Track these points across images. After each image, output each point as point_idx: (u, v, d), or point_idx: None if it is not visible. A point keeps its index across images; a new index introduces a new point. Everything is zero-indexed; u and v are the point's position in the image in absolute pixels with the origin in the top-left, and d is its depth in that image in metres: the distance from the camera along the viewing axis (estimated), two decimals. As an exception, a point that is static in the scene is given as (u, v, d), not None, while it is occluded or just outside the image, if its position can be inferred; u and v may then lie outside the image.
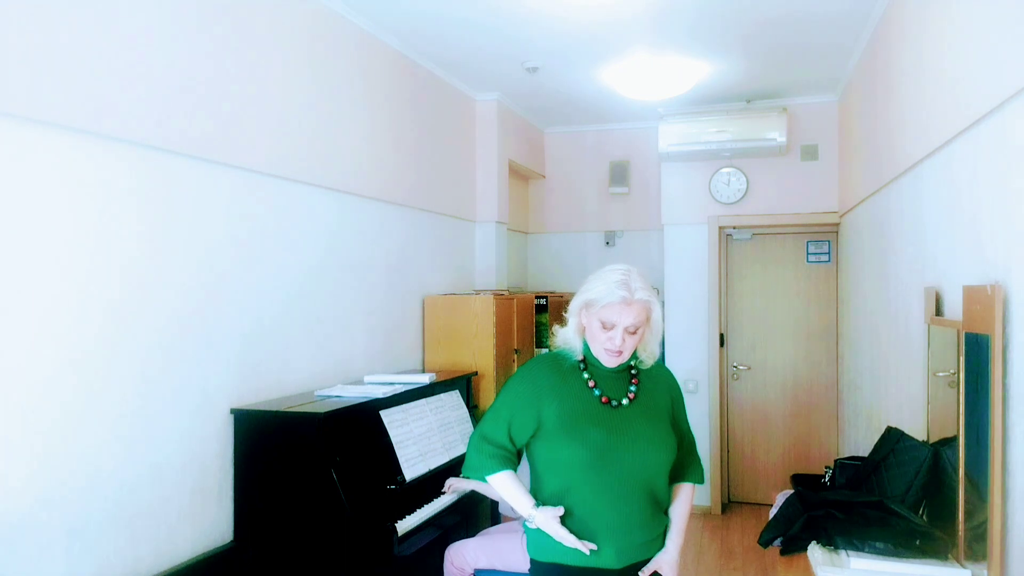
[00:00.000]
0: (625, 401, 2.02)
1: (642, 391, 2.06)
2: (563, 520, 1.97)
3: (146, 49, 2.53)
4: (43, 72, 2.16)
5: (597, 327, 1.97)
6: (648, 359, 2.07)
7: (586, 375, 2.04)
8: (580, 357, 2.06)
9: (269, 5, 3.18)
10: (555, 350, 2.11)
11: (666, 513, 2.10)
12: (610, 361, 2.00)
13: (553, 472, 1.99)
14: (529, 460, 2.10)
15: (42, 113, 2.16)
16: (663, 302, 5.65)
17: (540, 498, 2.02)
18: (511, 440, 2.02)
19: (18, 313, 2.12)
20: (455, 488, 3.28)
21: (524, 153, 5.92)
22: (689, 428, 2.21)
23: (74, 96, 2.26)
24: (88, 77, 2.31)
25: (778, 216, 5.57)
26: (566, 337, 2.07)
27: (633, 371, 2.08)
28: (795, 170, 5.52)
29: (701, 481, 2.21)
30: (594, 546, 1.93)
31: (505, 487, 2.02)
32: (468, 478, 2.12)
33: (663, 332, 2.08)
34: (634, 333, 1.96)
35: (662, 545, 2.07)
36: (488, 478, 2.03)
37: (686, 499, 2.16)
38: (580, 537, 1.95)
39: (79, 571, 2.31)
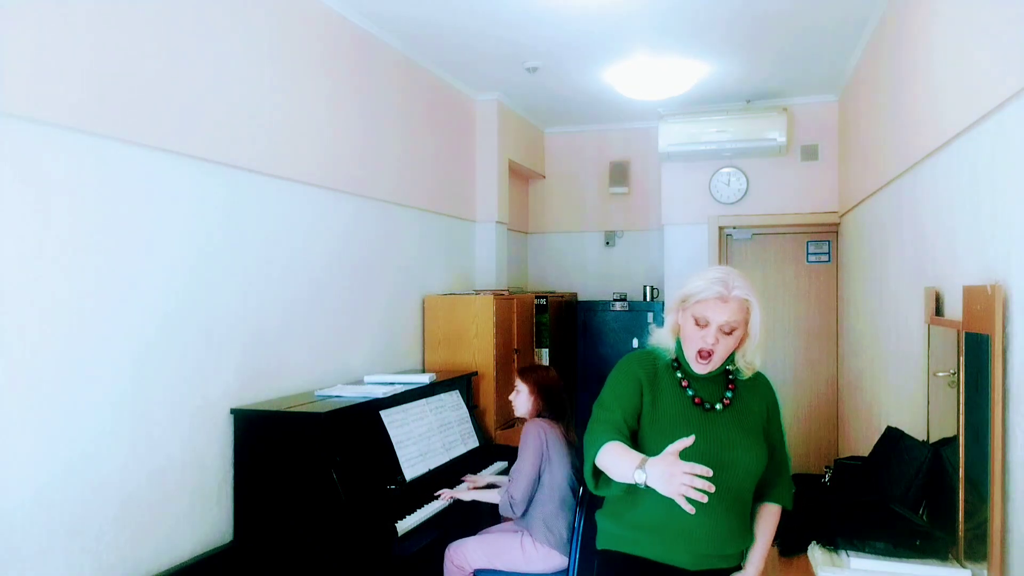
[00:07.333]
0: (719, 406, 1.92)
1: (738, 398, 1.96)
2: (638, 514, 1.88)
3: (143, 46, 2.53)
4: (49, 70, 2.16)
5: (691, 325, 1.88)
6: (746, 368, 1.96)
7: (679, 374, 1.95)
8: (673, 357, 1.98)
9: (270, 6, 3.18)
10: (650, 347, 2.02)
11: (751, 531, 1.99)
12: (699, 367, 1.90)
13: None
14: None
15: (47, 115, 2.16)
16: (662, 302, 5.65)
17: (622, 490, 1.81)
18: (624, 422, 1.88)
19: (18, 313, 2.12)
20: (448, 497, 3.26)
21: (524, 153, 5.92)
22: (783, 444, 2.05)
23: (71, 96, 2.26)
24: (82, 76, 2.31)
25: (778, 216, 5.57)
26: (660, 337, 2.00)
27: (731, 376, 1.98)
28: (795, 170, 5.52)
29: (789, 505, 2.04)
30: (708, 471, 1.56)
31: (609, 455, 1.76)
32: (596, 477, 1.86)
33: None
34: (729, 334, 1.86)
35: (739, 563, 1.97)
36: (600, 451, 1.80)
37: (772, 521, 2.03)
38: (653, 538, 1.87)
39: (79, 571, 2.31)
